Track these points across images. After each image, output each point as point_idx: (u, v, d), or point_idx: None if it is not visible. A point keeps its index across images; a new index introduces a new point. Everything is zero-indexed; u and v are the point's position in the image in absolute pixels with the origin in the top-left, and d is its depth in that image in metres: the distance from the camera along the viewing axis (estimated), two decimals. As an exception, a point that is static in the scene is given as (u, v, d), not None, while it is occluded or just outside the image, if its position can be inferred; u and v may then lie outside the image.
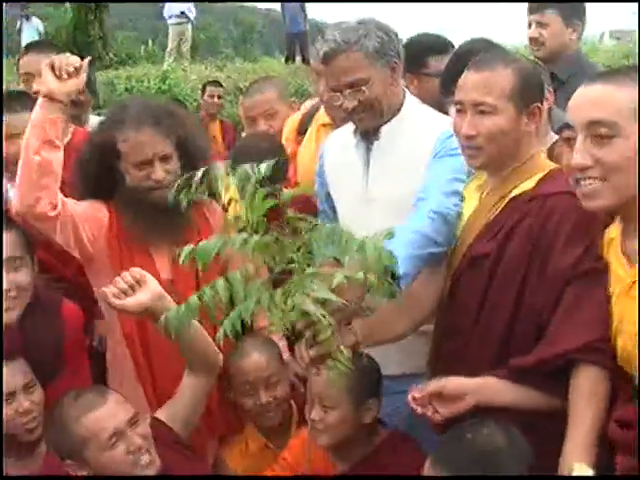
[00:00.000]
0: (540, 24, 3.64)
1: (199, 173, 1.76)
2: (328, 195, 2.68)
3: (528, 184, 2.09)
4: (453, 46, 3.29)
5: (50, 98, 2.29)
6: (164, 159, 2.46)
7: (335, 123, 3.10)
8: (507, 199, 2.10)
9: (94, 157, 2.50)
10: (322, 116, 3.27)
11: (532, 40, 3.68)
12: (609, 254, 1.90)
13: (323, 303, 1.75)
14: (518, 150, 2.09)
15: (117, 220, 2.50)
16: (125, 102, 3.02)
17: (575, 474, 1.74)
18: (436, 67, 3.16)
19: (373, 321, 2.19)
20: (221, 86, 7.68)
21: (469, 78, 2.08)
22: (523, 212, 2.05)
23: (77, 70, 2.32)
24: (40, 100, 2.31)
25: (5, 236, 2.32)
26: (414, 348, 2.39)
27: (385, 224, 2.31)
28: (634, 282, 1.79)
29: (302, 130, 3.37)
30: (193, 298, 1.78)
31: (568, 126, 2.19)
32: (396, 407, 2.54)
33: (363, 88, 2.36)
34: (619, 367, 1.86)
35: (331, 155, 2.67)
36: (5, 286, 2.29)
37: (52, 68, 2.30)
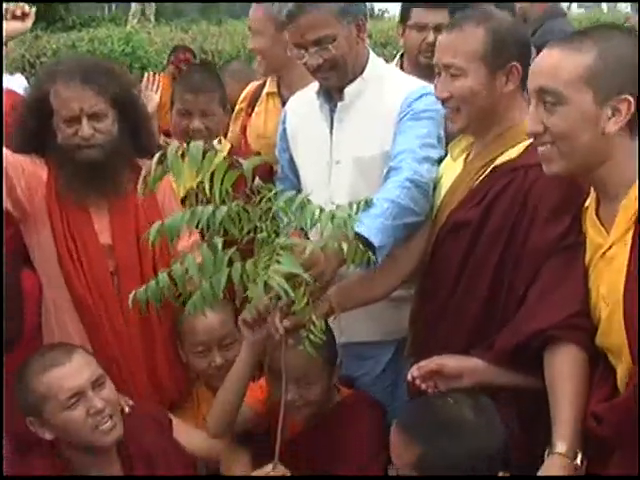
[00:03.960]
0: None
1: (156, 157, 1.71)
2: (291, 160, 2.62)
3: (512, 152, 2.04)
4: None
5: None
6: (94, 116, 2.36)
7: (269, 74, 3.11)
8: (491, 167, 2.06)
9: (29, 113, 2.43)
10: (269, 85, 3.23)
11: None
12: (584, 222, 1.87)
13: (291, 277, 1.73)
14: (498, 112, 2.05)
15: (55, 178, 2.42)
16: (61, 58, 2.96)
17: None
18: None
19: (348, 286, 2.16)
20: (191, 51, 7.32)
21: (442, 39, 2.06)
22: (506, 181, 2.01)
23: (24, 15, 2.33)
24: None
25: None
26: (384, 315, 2.39)
27: (350, 186, 2.35)
28: (610, 246, 1.76)
29: (253, 102, 3.32)
30: (162, 275, 1.76)
31: None
32: (364, 372, 2.57)
33: (329, 46, 2.30)
34: (599, 350, 1.82)
35: (294, 118, 2.60)
36: None
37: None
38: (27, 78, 5.28)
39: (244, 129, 3.26)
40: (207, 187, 1.70)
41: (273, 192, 1.78)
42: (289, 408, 2.12)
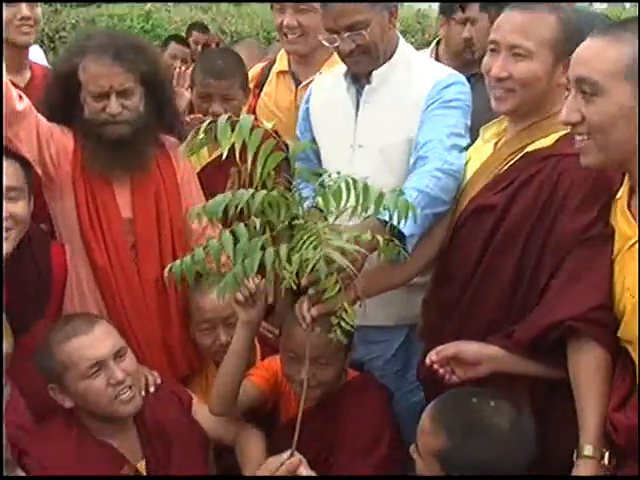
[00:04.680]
0: None
1: (203, 125, 1.72)
2: (312, 141, 2.61)
3: (545, 141, 2.03)
4: None
5: None
6: (123, 93, 2.37)
7: (291, 58, 3.07)
8: (522, 153, 2.05)
9: (57, 85, 2.44)
10: (279, 64, 3.20)
11: None
12: (615, 213, 1.86)
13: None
14: (546, 102, 2.03)
15: (80, 151, 2.44)
16: (91, 32, 2.95)
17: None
18: None
19: (371, 273, 2.15)
20: (207, 30, 7.20)
21: (510, 18, 1.99)
22: (535, 169, 2.00)
23: None
24: None
25: (5, 166, 2.24)
26: (398, 300, 2.39)
27: (371, 171, 2.29)
28: (637, 241, 1.75)
29: (260, 83, 3.27)
30: (199, 250, 1.79)
31: None
32: (374, 356, 2.59)
33: (363, 32, 2.29)
34: (620, 346, 1.82)
35: (318, 99, 2.59)
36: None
37: None
38: (45, 52, 5.30)
39: (252, 110, 3.22)
40: (250, 163, 1.71)
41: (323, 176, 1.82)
42: (302, 388, 2.13)
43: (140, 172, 2.46)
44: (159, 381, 2.38)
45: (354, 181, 1.79)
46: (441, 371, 1.99)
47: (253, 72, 3.33)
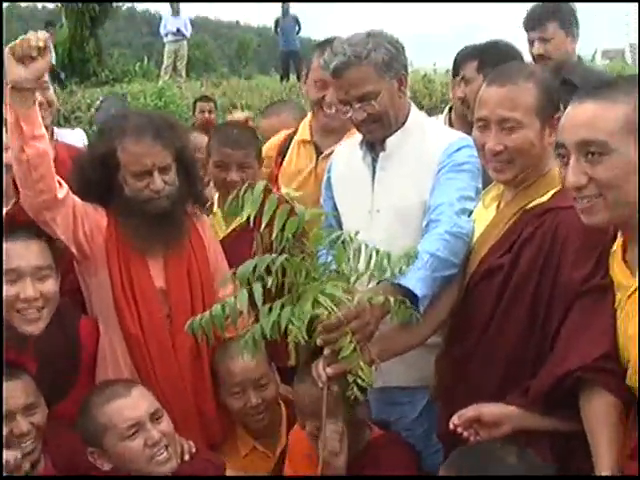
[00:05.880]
0: (543, 39, 3.74)
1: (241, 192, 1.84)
2: (334, 208, 2.69)
3: (543, 198, 2.10)
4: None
5: (18, 88, 2.13)
6: (163, 170, 2.47)
7: (315, 135, 3.15)
8: (522, 212, 2.12)
9: (94, 166, 2.51)
10: (301, 133, 3.28)
11: (537, 57, 3.77)
12: (613, 266, 1.90)
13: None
14: (540, 162, 2.11)
15: (115, 225, 2.51)
16: (126, 113, 3.01)
17: None
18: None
19: (385, 337, 2.18)
20: (211, 100, 7.49)
21: (492, 93, 2.07)
22: (536, 224, 2.07)
23: (41, 50, 2.13)
24: (9, 93, 2.14)
25: (32, 246, 2.31)
26: (418, 361, 2.41)
27: (389, 235, 2.40)
28: (635, 290, 1.79)
29: (283, 152, 3.34)
30: (217, 307, 1.88)
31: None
32: (399, 417, 2.59)
33: (372, 102, 2.38)
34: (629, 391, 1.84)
35: (338, 168, 2.69)
36: (32, 294, 2.26)
37: (13, 55, 2.11)
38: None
39: (275, 178, 3.29)
40: (264, 229, 1.84)
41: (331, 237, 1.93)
42: (311, 440, 2.19)
43: (175, 244, 2.54)
44: (194, 450, 2.40)
45: (366, 246, 1.89)
46: (465, 434, 2.01)
47: (276, 140, 3.39)
